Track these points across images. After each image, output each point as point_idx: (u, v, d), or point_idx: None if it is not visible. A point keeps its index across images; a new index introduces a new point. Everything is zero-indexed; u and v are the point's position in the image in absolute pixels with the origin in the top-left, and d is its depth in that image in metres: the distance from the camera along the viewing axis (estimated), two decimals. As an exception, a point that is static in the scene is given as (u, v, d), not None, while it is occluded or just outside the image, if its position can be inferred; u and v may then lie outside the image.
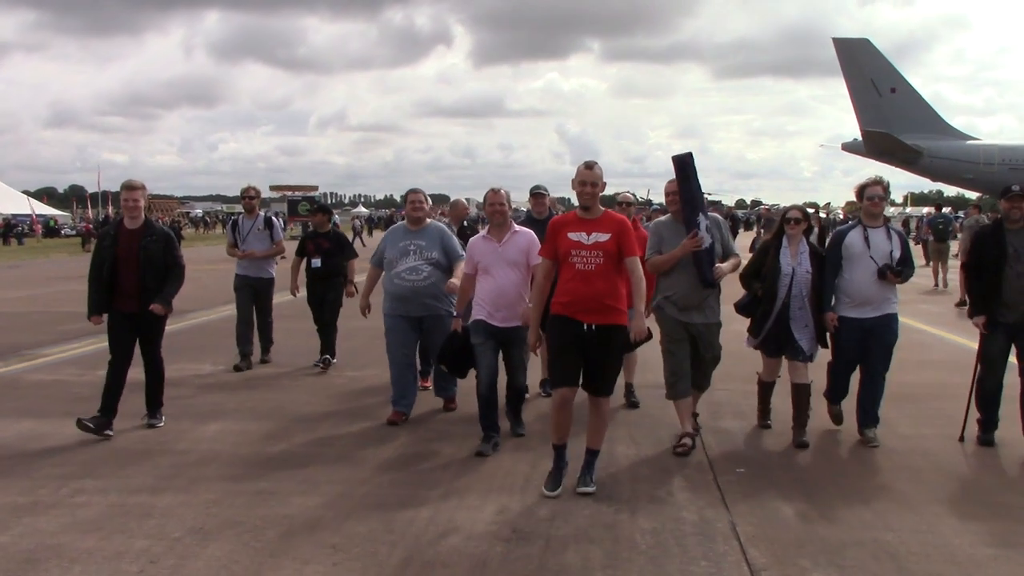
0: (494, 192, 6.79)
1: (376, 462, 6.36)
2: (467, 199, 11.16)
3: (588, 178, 5.57)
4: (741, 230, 50.86)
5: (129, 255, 7.05)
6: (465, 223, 9.43)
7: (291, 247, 11.41)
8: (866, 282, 6.68)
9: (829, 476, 6.07)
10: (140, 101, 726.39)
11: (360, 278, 8.96)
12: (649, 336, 5.76)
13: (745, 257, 7.27)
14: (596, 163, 5.66)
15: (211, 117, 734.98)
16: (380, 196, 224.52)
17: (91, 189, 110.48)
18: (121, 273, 7.06)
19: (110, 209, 70.33)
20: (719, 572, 4.45)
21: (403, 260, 7.38)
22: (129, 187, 7.13)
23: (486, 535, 4.91)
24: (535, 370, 7.85)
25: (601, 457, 5.89)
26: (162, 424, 7.32)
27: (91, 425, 6.87)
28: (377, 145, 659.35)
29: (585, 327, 5.45)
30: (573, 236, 5.52)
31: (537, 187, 8.55)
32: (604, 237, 5.48)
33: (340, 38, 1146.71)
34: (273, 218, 10.73)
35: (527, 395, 7.31)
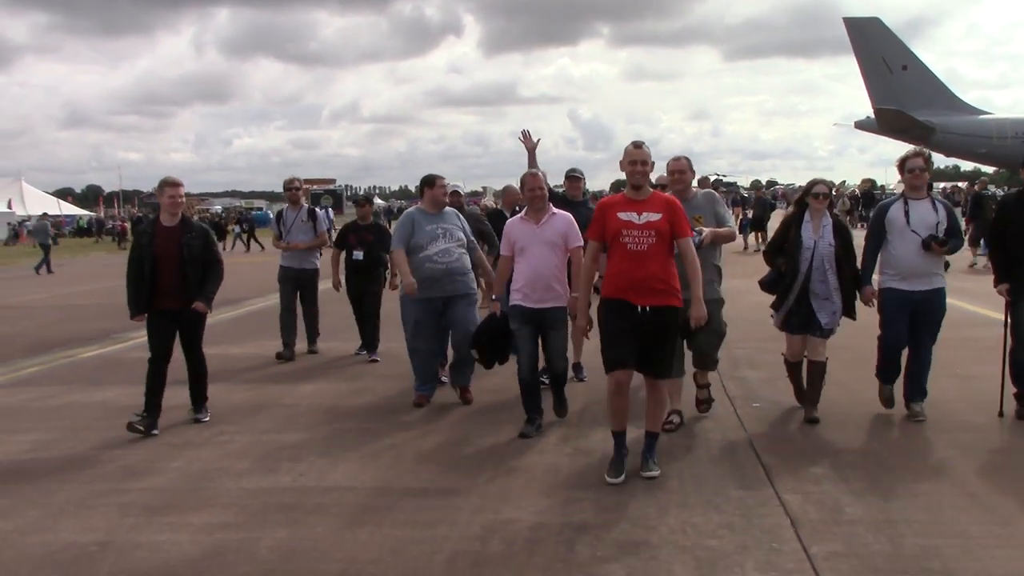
0: (532, 176, 6.95)
1: (454, 410, 7.61)
2: (483, 187, 11.63)
3: (639, 156, 5.54)
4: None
5: (170, 252, 7.02)
6: (518, 208, 9.28)
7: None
8: (911, 254, 6.64)
9: (830, 404, 7.25)
10: (153, 99, 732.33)
11: None
12: (709, 321, 5.78)
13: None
14: (644, 142, 5.66)
15: (224, 113, 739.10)
16: (395, 187, 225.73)
17: (108, 188, 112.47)
18: (162, 271, 7.02)
19: (135, 208, 72.11)
20: (740, 470, 5.74)
21: (434, 243, 7.54)
22: (173, 183, 7.12)
23: (554, 452, 6.23)
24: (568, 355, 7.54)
25: (636, 402, 6.20)
26: (207, 419, 7.34)
27: (141, 428, 6.96)
28: (390, 136, 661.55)
29: (639, 309, 5.41)
30: (623, 216, 5.47)
31: (573, 170, 8.76)
32: (656, 216, 5.44)
33: (350, 31, 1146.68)
34: (317, 210, 10.97)
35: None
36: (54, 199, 77.52)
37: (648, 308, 5.40)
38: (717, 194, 7.23)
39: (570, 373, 7.81)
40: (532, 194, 6.88)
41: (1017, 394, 6.84)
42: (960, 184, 30.56)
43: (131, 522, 5.09)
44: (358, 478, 5.81)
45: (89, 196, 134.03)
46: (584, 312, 5.85)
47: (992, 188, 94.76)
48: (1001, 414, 6.84)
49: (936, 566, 4.24)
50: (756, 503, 5.14)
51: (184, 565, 4.47)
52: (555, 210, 6.96)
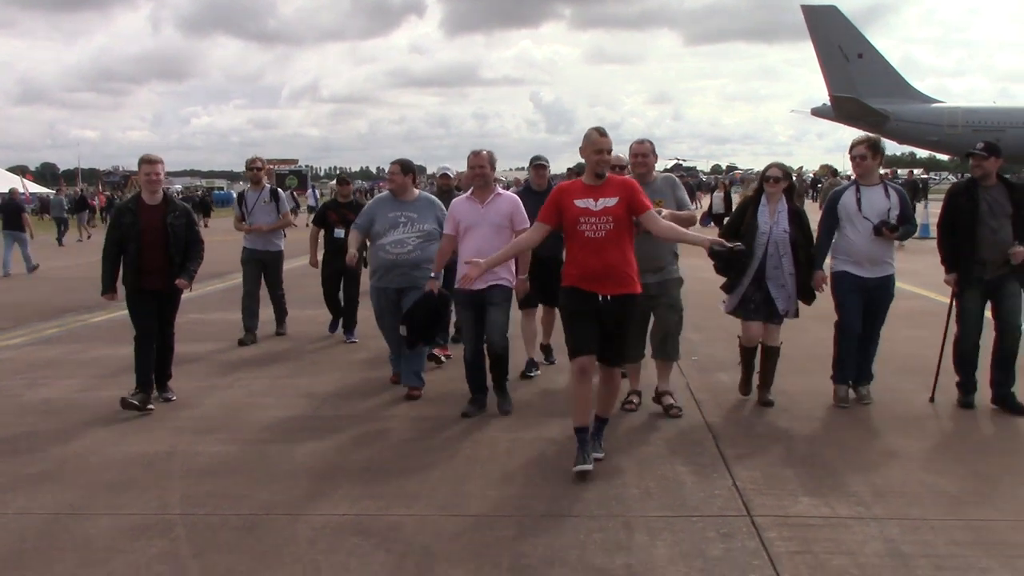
0: (475, 154, 6.82)
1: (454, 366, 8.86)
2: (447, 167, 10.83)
3: (604, 145, 5.43)
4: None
5: (154, 231, 7.01)
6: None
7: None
8: (863, 240, 6.71)
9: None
10: (110, 76, 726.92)
11: None
12: (668, 297, 6.47)
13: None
14: (606, 130, 5.54)
15: (182, 91, 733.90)
16: (356, 168, 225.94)
17: (63, 166, 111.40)
18: (146, 250, 6.99)
19: (101, 188, 71.94)
20: (685, 414, 6.93)
21: (391, 232, 7.36)
22: (150, 161, 7.03)
23: (525, 389, 7.49)
24: (520, 352, 7.98)
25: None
26: (175, 398, 7.39)
27: (136, 403, 6.97)
28: (351, 117, 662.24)
29: (600, 298, 5.40)
30: (580, 203, 5.40)
31: (538, 157, 8.48)
32: (612, 202, 5.38)
33: (310, 9, 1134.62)
34: (279, 190, 10.82)
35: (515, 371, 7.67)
36: (17, 177, 77.09)
37: (609, 297, 5.41)
38: (677, 179, 7.21)
39: (540, 356, 8.45)
40: (474, 172, 6.83)
41: (960, 384, 6.95)
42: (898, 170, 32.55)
43: (187, 439, 6.32)
44: (373, 413, 7.00)
45: (45, 174, 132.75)
46: (496, 259, 5.85)
47: (946, 175, 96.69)
48: (932, 399, 7.00)
49: (819, 463, 5.61)
50: (688, 425, 6.49)
51: (239, 464, 5.73)
52: (500, 190, 6.96)
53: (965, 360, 6.90)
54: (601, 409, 5.68)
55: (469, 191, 6.96)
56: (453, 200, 7.10)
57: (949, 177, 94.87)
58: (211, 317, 11.97)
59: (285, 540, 4.50)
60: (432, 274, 6.96)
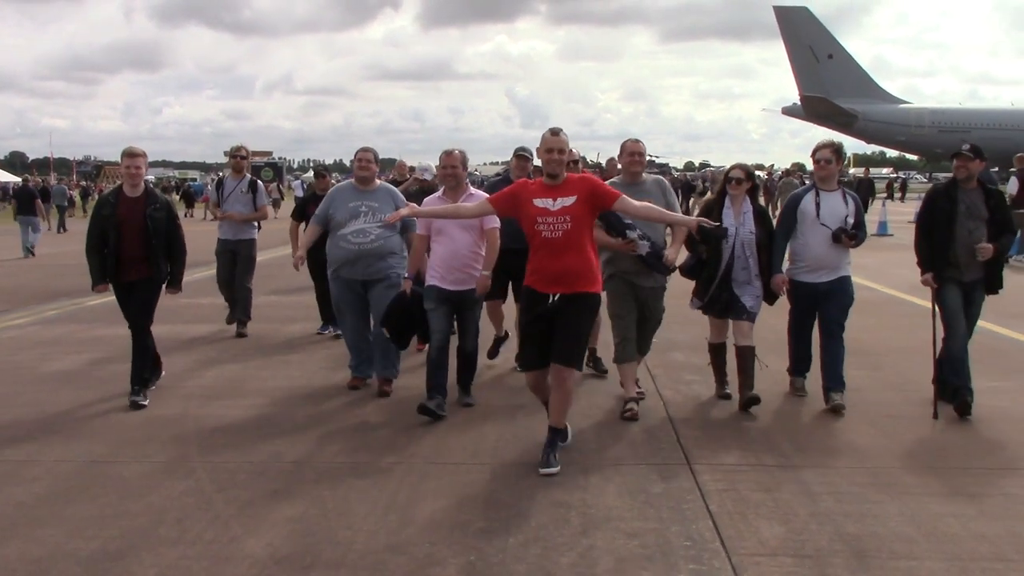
0: (448, 154, 6.79)
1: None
2: (418, 163, 10.49)
3: (556, 144, 5.42)
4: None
5: (134, 223, 7.00)
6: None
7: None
8: (820, 246, 6.74)
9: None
10: (81, 65, 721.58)
11: None
12: (651, 308, 6.81)
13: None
14: (562, 129, 5.50)
15: (154, 81, 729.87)
16: (330, 160, 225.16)
17: (32, 156, 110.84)
18: (125, 241, 7.00)
19: (60, 176, 71.76)
20: (646, 402, 7.69)
21: (352, 222, 7.22)
22: (132, 154, 7.01)
23: (495, 374, 8.31)
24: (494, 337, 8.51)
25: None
26: (146, 403, 7.03)
27: (144, 403, 7.00)
28: (325, 109, 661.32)
29: (550, 298, 5.44)
30: (539, 203, 5.40)
31: (522, 148, 8.24)
32: (570, 200, 5.36)
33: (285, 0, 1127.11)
34: (259, 182, 10.76)
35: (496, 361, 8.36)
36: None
37: (557, 296, 5.41)
38: (667, 182, 7.17)
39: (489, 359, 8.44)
40: (445, 172, 6.82)
41: (954, 388, 6.70)
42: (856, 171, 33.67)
43: (196, 404, 7.09)
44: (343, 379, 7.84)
45: (15, 163, 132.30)
46: (424, 213, 6.35)
47: (914, 173, 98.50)
48: (935, 415, 6.66)
49: (753, 425, 6.49)
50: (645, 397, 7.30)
51: (245, 423, 6.53)
52: (472, 190, 6.91)
53: (955, 359, 6.70)
54: (553, 419, 5.58)
55: (441, 191, 7.00)
56: (425, 199, 7.05)
57: (917, 176, 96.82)
58: (201, 301, 12.60)
59: (293, 481, 5.29)
60: (406, 275, 6.97)
